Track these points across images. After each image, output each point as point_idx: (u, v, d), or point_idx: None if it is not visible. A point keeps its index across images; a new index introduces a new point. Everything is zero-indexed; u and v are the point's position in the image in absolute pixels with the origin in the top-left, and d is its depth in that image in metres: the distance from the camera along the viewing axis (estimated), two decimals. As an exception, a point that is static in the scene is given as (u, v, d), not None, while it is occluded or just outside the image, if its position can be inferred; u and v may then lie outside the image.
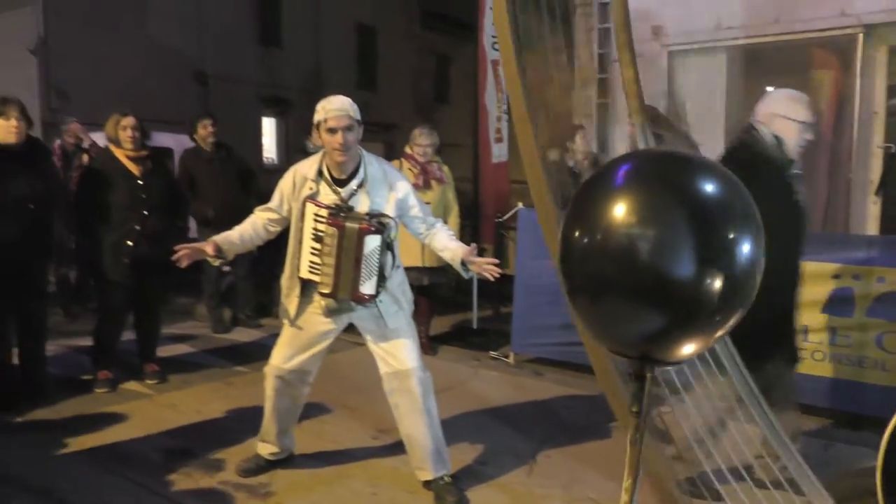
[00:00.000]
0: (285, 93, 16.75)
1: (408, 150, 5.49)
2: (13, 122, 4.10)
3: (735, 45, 6.95)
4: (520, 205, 5.52)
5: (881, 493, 1.24)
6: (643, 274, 1.03)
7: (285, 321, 3.37)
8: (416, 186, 5.35)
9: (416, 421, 3.29)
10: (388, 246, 3.15)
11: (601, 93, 7.68)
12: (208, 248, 3.20)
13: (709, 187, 1.08)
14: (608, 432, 4.00)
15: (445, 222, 3.46)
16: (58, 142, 6.56)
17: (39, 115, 11.83)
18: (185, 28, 14.37)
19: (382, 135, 18.78)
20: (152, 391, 4.64)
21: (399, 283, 3.32)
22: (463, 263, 3.19)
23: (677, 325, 1.07)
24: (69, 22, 12.88)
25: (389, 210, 3.21)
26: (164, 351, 5.36)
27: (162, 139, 9.79)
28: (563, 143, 5.63)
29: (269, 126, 17.35)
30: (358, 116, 3.22)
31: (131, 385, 4.71)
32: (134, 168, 4.63)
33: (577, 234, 1.10)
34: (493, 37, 6.69)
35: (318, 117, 3.19)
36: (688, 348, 1.09)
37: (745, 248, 1.06)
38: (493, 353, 5.57)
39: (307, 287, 3.27)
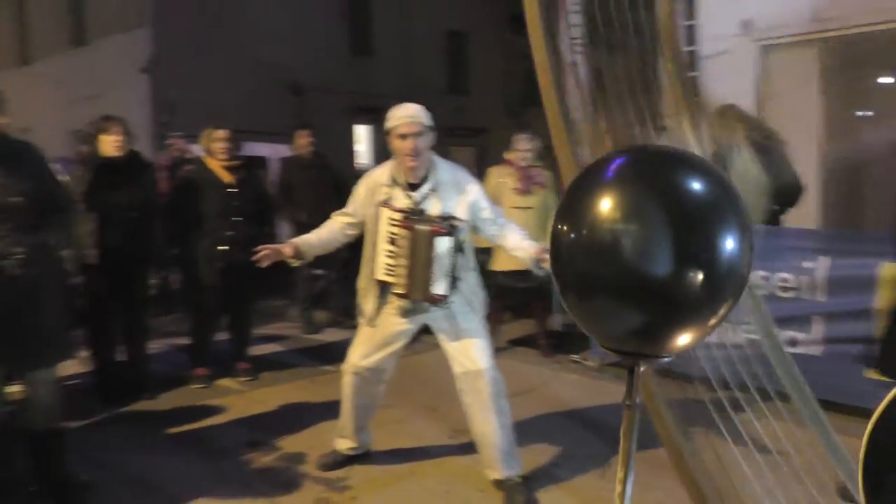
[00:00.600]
0: (378, 100, 17.09)
1: (508, 156, 5.56)
2: (116, 138, 4.42)
3: (832, 36, 6.64)
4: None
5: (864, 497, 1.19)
6: (626, 270, 1.04)
7: (362, 321, 3.50)
8: (517, 192, 5.43)
9: (486, 420, 3.34)
10: (459, 248, 3.22)
11: (690, 92, 7.49)
12: (287, 249, 3.36)
13: (694, 185, 1.08)
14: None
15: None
16: (165, 155, 7.01)
17: (150, 130, 12.63)
18: (282, 42, 14.93)
19: (474, 139, 18.94)
20: (243, 388, 4.89)
21: (472, 285, 3.39)
22: (535, 261, 3.23)
23: (664, 320, 1.07)
24: (177, 42, 13.65)
25: (461, 213, 3.27)
26: (256, 350, 5.64)
27: (257, 149, 10.26)
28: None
29: (362, 133, 17.80)
30: (429, 122, 3.31)
31: (225, 382, 4.98)
32: (226, 177, 4.89)
33: (565, 229, 1.13)
34: (572, 38, 6.64)
35: (389, 124, 3.31)
36: (680, 342, 1.10)
37: (729, 244, 1.06)
38: (574, 357, 5.55)
39: (383, 288, 3.38)
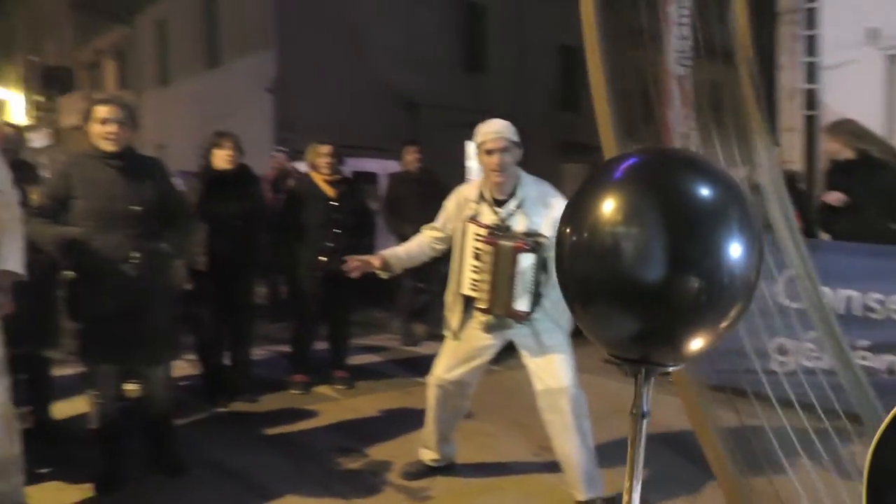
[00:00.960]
0: (490, 116, 17.24)
1: None
2: (227, 152, 4.71)
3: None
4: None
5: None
6: (625, 274, 1.02)
7: (448, 334, 3.55)
8: None
9: (567, 440, 3.30)
10: (542, 264, 3.21)
11: (808, 104, 7.13)
12: (375, 261, 3.47)
13: (699, 190, 1.06)
14: (781, 468, 3.71)
15: None
16: (273, 169, 7.41)
17: (272, 146, 13.29)
18: (399, 60, 15.34)
19: (587, 155, 18.70)
20: (339, 395, 5.04)
21: (557, 301, 3.36)
22: None
23: (666, 326, 1.05)
24: (299, 63, 14.33)
25: (546, 229, 3.26)
26: (355, 360, 5.81)
27: (368, 164, 10.57)
28: (753, 160, 5.29)
29: (474, 149, 17.93)
30: (515, 138, 3.34)
31: (322, 388, 5.15)
32: (329, 191, 5.10)
33: (567, 232, 1.12)
34: (678, 52, 6.49)
35: (476, 140, 3.37)
36: (688, 348, 1.07)
37: (732, 249, 1.03)
38: (670, 378, 5.35)
39: (468, 303, 3.42)
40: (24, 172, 4.49)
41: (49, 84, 26.07)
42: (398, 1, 15.44)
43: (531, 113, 15.91)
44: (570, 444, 3.28)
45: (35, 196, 4.12)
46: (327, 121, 13.13)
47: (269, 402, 4.83)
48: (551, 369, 3.31)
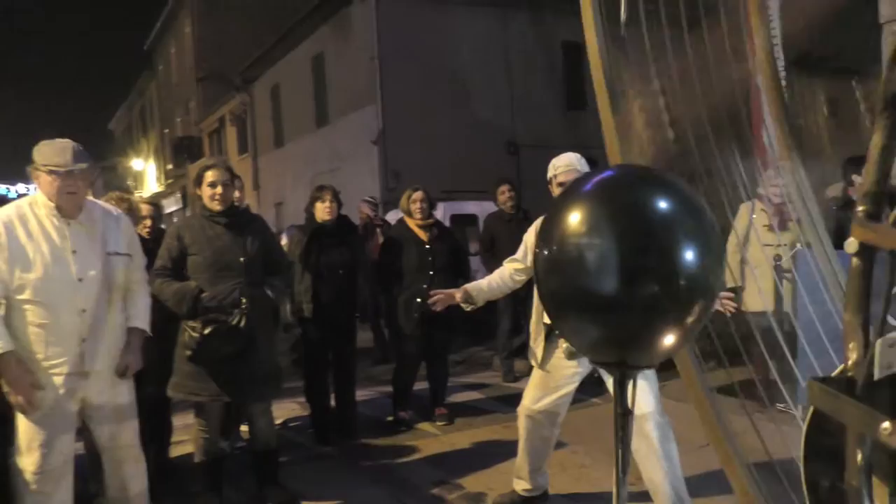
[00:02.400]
0: (591, 152, 17.17)
1: (761, 191, 5.44)
2: (327, 204, 5.03)
3: None
4: (798, 245, 5.13)
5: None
6: (589, 285, 1.12)
7: (533, 364, 3.64)
8: (769, 229, 5.27)
9: (653, 466, 3.29)
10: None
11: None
12: (458, 294, 3.62)
13: (655, 203, 1.15)
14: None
15: None
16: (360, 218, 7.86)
17: (379, 196, 13.84)
18: (498, 104, 15.64)
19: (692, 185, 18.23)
20: (439, 431, 5.20)
21: None
22: None
23: (635, 330, 1.13)
24: (402, 114, 14.91)
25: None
26: (457, 397, 5.98)
27: (469, 207, 10.83)
28: (849, 177, 5.11)
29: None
30: (586, 169, 3.44)
31: (423, 425, 5.33)
32: (422, 235, 5.33)
33: (541, 246, 1.22)
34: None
35: (549, 174, 3.50)
36: (660, 348, 1.15)
37: (689, 256, 1.11)
38: (780, 406, 5.16)
39: (550, 331, 3.51)
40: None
41: (178, 153, 28.36)
42: (497, 46, 15.82)
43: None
44: (656, 471, 3.28)
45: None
46: (431, 167, 13.59)
47: (372, 439, 5.05)
48: (637, 396, 3.32)
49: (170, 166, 31.57)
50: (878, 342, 0.96)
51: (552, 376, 3.56)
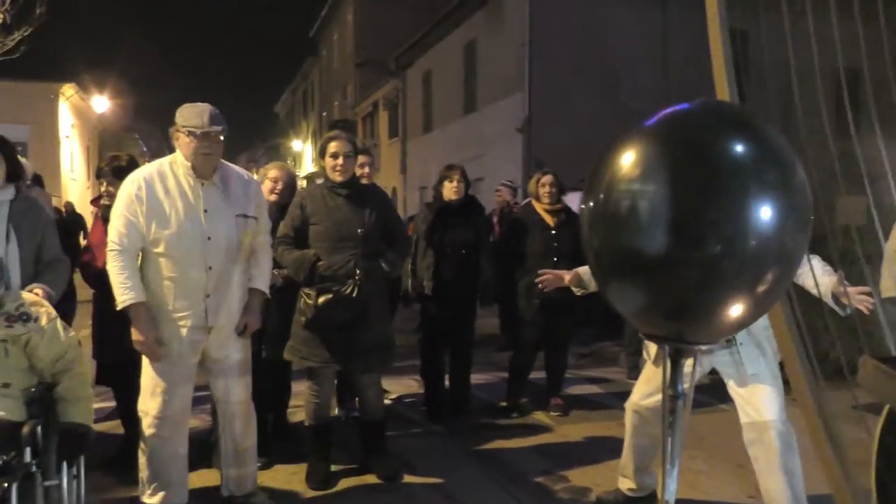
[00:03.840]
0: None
1: None
2: (455, 183, 5.03)
3: None
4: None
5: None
6: (638, 240, 0.96)
7: (647, 358, 3.45)
8: None
9: (772, 478, 3.04)
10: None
11: None
12: (567, 276, 3.48)
13: (728, 146, 0.98)
14: None
15: None
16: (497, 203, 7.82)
17: (522, 183, 13.75)
18: (653, 94, 14.94)
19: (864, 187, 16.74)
20: (553, 422, 5.07)
21: (764, 328, 3.13)
22: (834, 297, 2.88)
23: (692, 296, 0.97)
24: (550, 102, 14.70)
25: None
26: (575, 389, 5.82)
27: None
28: None
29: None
30: None
31: (538, 415, 5.22)
32: (549, 219, 5.21)
33: (587, 198, 1.07)
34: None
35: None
36: (722, 321, 0.99)
37: (763, 213, 0.95)
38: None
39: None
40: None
41: (334, 135, 29.48)
42: (654, 33, 15.20)
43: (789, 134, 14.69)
44: (774, 483, 3.02)
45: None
46: (575, 156, 13.23)
47: (483, 423, 5.01)
48: (756, 401, 3.09)
49: (326, 148, 32.97)
50: None
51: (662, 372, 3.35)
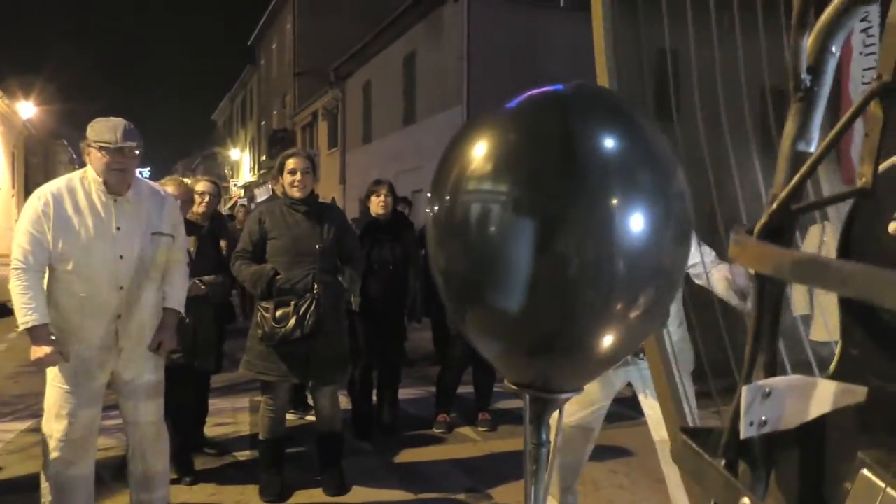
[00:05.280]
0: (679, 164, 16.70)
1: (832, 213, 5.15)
2: (382, 198, 5.01)
3: None
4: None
5: None
6: (491, 256, 0.84)
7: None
8: None
9: (683, 498, 3.08)
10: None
11: None
12: None
13: (602, 136, 0.84)
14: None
15: None
16: None
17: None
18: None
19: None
20: (479, 437, 5.08)
21: (678, 341, 3.16)
22: (736, 291, 2.94)
23: (561, 324, 0.87)
24: (486, 115, 14.85)
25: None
26: (504, 404, 5.84)
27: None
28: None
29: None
30: None
31: (465, 430, 5.23)
32: None
33: (432, 201, 0.93)
34: (864, 82, 5.89)
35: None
36: (592, 355, 0.91)
37: (635, 220, 0.82)
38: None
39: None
40: (219, 221, 5.11)
41: (273, 144, 29.20)
42: (588, 52, 15.45)
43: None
44: (684, 501, 3.06)
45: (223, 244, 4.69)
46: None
47: (410, 439, 4.99)
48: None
49: (264, 157, 32.56)
50: (744, 389, 0.72)
51: (586, 390, 3.38)
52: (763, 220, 0.70)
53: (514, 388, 1.06)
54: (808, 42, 0.70)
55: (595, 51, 2.69)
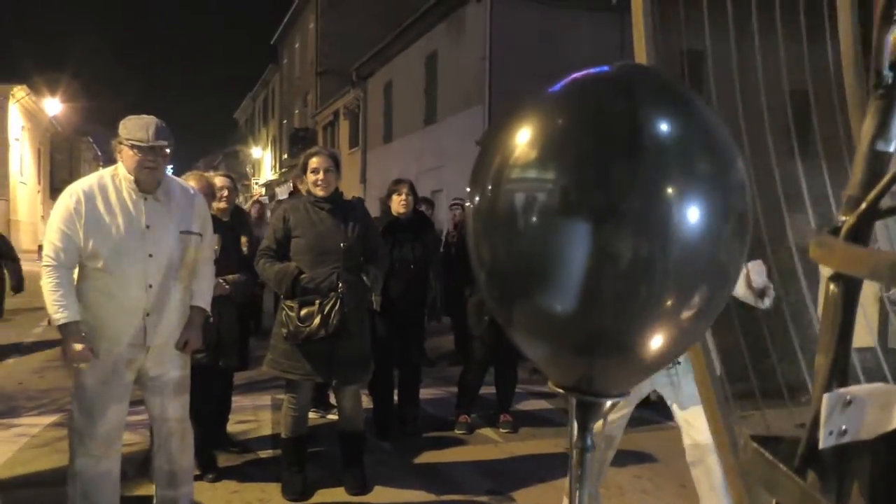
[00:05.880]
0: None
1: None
2: (403, 197, 5.01)
3: None
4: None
5: None
6: (533, 250, 0.80)
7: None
8: None
9: (714, 502, 3.06)
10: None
11: None
12: None
13: (658, 122, 0.79)
14: None
15: None
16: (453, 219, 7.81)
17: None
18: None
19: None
20: (501, 438, 5.07)
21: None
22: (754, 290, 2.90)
23: (612, 319, 0.83)
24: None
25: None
26: (525, 405, 5.83)
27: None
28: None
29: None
30: None
31: (485, 431, 5.22)
32: None
33: (472, 192, 0.89)
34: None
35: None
36: (640, 355, 0.87)
37: (691, 216, 0.78)
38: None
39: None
40: (240, 218, 5.16)
41: (294, 143, 29.37)
42: (612, 53, 15.42)
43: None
44: (717, 507, 3.04)
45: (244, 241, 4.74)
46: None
47: (431, 440, 4.99)
48: (697, 422, 3.10)
49: (285, 156, 32.76)
50: (825, 398, 0.70)
51: (613, 395, 3.37)
52: (851, 221, 0.68)
53: (559, 390, 1.04)
54: (893, 38, 0.68)
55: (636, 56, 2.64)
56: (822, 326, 0.73)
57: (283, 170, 33.58)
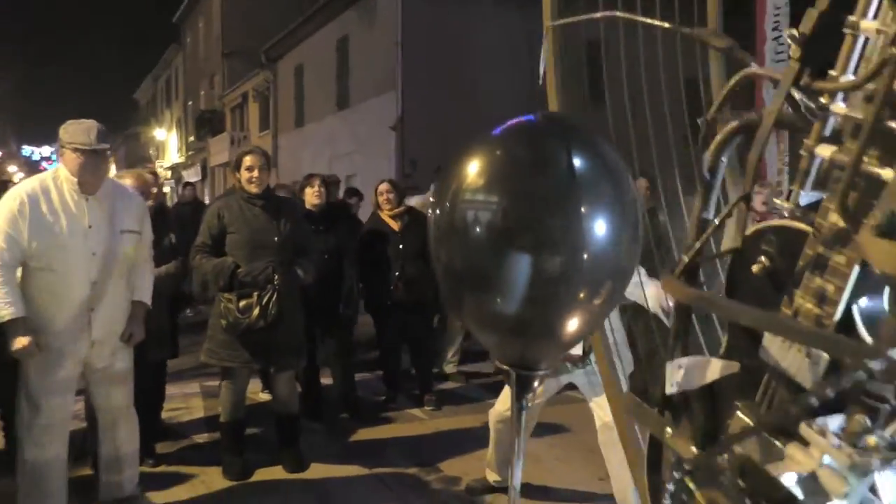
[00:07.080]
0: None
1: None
2: (315, 189, 5.19)
3: None
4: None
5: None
6: (481, 254, 1.06)
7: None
8: None
9: (624, 477, 3.33)
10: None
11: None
12: None
13: (571, 156, 1.06)
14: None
15: None
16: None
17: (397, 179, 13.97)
18: (519, 99, 15.58)
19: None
20: (426, 416, 5.42)
21: (619, 343, 3.37)
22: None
23: (540, 309, 1.12)
24: (422, 102, 14.90)
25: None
26: (447, 384, 6.19)
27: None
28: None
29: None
30: None
31: (413, 410, 5.56)
32: (394, 224, 5.56)
33: (435, 205, 1.15)
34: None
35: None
36: (562, 336, 1.17)
37: (599, 224, 1.05)
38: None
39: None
40: (163, 216, 5.22)
41: (201, 125, 28.66)
42: (519, 41, 15.77)
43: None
44: (626, 482, 3.34)
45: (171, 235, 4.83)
46: (448, 155, 13.63)
47: (361, 420, 5.27)
48: (606, 403, 3.41)
49: (192, 138, 31.93)
50: (667, 365, 1.11)
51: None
52: (680, 267, 1.05)
53: (504, 366, 1.35)
54: (709, 152, 1.04)
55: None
56: (672, 333, 1.12)
57: (190, 152, 32.74)
